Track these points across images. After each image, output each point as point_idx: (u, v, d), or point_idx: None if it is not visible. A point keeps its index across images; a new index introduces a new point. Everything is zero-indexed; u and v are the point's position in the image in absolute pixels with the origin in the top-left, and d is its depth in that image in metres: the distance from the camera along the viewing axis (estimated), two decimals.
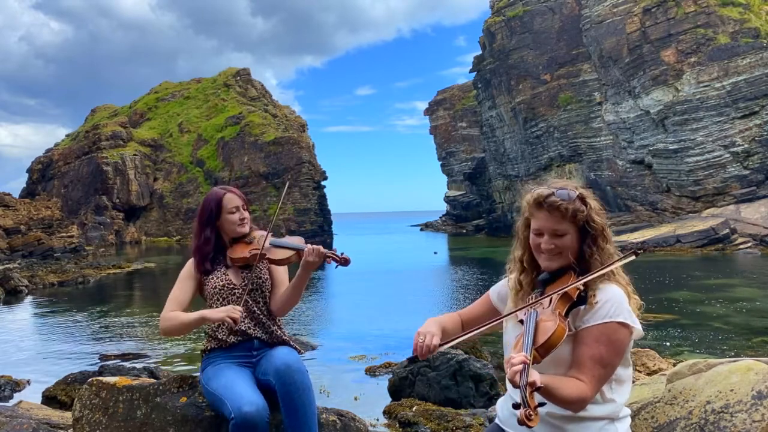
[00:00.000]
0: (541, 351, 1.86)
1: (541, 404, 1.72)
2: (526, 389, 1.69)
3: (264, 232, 3.21)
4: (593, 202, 2.13)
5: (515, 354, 1.81)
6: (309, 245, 2.98)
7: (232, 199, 3.13)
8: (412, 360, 2.32)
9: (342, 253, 2.94)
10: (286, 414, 2.80)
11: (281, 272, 3.21)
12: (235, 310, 2.84)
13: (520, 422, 1.64)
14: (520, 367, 1.74)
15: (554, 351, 1.89)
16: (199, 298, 3.14)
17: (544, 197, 2.08)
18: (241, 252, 3.09)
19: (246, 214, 3.17)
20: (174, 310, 3.00)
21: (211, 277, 3.08)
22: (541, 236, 2.11)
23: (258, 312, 3.07)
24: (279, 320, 3.19)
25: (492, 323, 2.12)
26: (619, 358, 2.01)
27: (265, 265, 3.14)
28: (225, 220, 3.11)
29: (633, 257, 2.03)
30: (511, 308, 2.21)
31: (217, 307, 3.05)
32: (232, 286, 3.06)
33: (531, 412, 1.64)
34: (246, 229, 3.16)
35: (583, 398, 1.92)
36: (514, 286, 2.25)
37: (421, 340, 2.11)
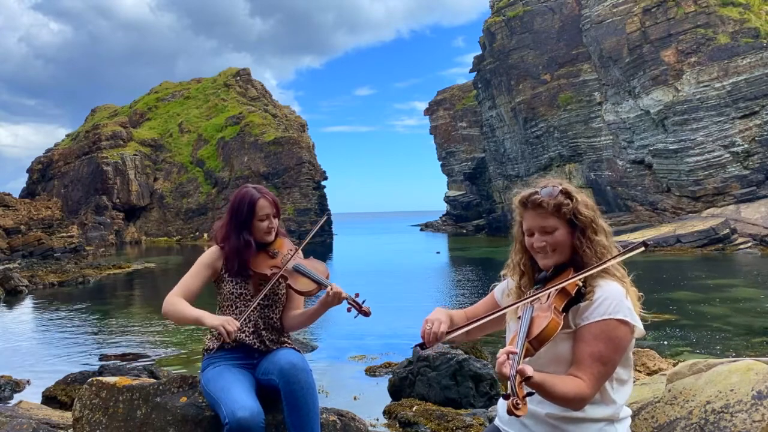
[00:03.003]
0: (534, 343, 1.86)
1: (530, 394, 1.72)
2: (515, 378, 1.69)
3: (289, 244, 3.16)
4: (579, 196, 2.13)
5: (506, 347, 1.82)
6: (332, 286, 2.91)
7: (265, 206, 3.06)
8: (420, 347, 2.31)
9: (364, 301, 2.87)
10: (289, 413, 2.79)
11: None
12: (231, 323, 2.80)
13: (509, 411, 1.64)
14: (508, 358, 1.75)
15: (548, 344, 1.89)
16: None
17: (528, 196, 2.13)
18: (262, 266, 3.04)
19: (275, 223, 3.11)
20: (180, 296, 2.97)
21: (230, 279, 3.06)
22: (533, 235, 2.13)
23: (263, 327, 3.05)
24: (286, 334, 3.17)
25: (496, 313, 2.12)
26: (619, 356, 2.00)
27: (283, 283, 3.11)
28: (254, 226, 3.07)
29: (642, 248, 1.98)
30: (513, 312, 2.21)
31: (227, 311, 3.05)
32: (248, 296, 3.04)
33: (519, 401, 1.64)
34: (272, 237, 3.11)
35: (582, 396, 1.92)
36: (516, 291, 2.25)
37: (428, 327, 2.12)
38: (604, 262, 2.02)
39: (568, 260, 2.12)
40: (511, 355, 1.76)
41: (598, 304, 2.00)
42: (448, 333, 2.10)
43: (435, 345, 2.13)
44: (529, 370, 1.72)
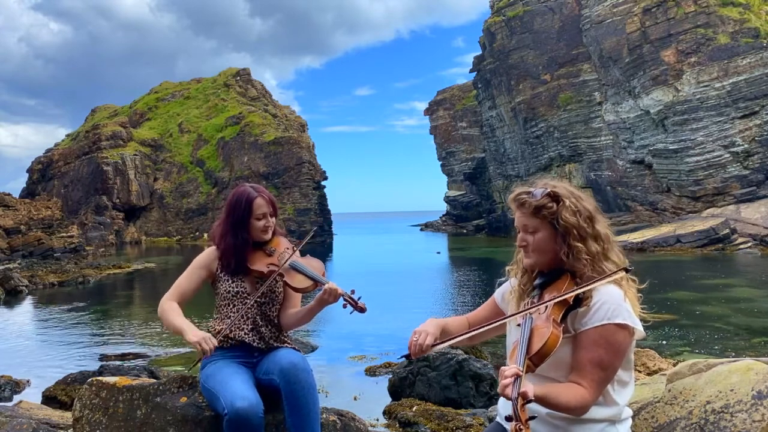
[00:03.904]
0: (535, 359, 1.85)
1: (532, 417, 1.70)
2: (517, 402, 1.67)
3: (286, 242, 3.17)
4: (570, 200, 2.10)
5: (508, 366, 1.80)
6: (328, 284, 2.92)
7: (262, 204, 3.08)
8: (406, 358, 2.35)
9: (359, 298, 2.88)
10: (290, 413, 2.79)
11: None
12: (209, 342, 2.79)
13: None
14: (511, 379, 1.73)
15: (549, 358, 1.88)
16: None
17: (515, 195, 2.16)
18: (259, 264, 3.05)
19: (271, 222, 3.12)
20: (174, 300, 3.00)
21: (226, 278, 3.06)
22: (520, 233, 2.17)
23: (262, 325, 3.06)
24: (285, 333, 3.17)
25: (487, 327, 2.11)
26: (619, 360, 1.99)
27: (280, 281, 3.11)
28: (251, 225, 3.08)
29: (623, 273, 2.03)
30: (513, 310, 2.21)
31: (225, 310, 3.05)
32: (245, 294, 3.04)
33: (521, 426, 1.63)
34: (268, 236, 3.12)
35: (584, 404, 1.92)
36: (517, 289, 2.26)
37: (415, 339, 2.12)
38: (594, 282, 2.01)
39: (554, 262, 2.12)
40: (513, 376, 1.74)
41: (597, 308, 1.99)
42: (433, 345, 2.10)
43: (421, 356, 2.13)
44: (530, 392, 1.71)
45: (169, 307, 2.98)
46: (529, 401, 1.70)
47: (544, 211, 2.09)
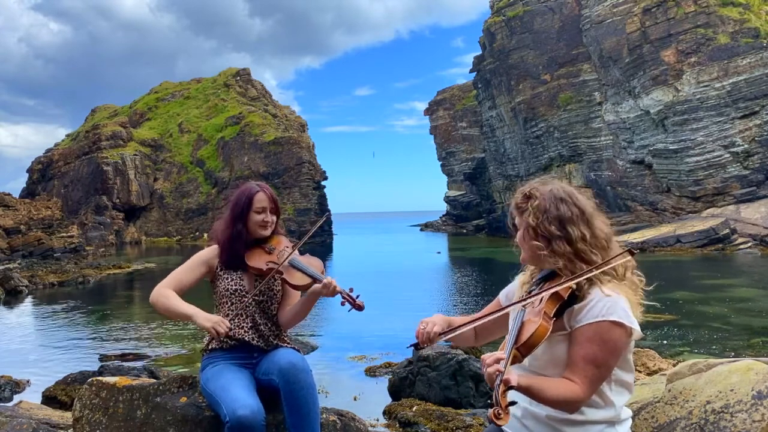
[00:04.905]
0: (522, 350, 1.86)
1: (512, 403, 1.72)
2: (498, 388, 1.69)
3: (287, 241, 3.18)
4: (538, 202, 2.12)
5: (494, 353, 1.82)
6: (326, 279, 2.94)
7: (262, 199, 3.11)
8: (414, 347, 2.35)
9: (358, 296, 2.89)
10: (289, 413, 2.79)
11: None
12: (222, 324, 2.82)
13: (491, 421, 1.66)
14: (495, 365, 1.75)
15: (539, 348, 1.90)
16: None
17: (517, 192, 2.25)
18: (258, 261, 3.06)
19: (271, 218, 3.14)
20: (171, 288, 2.99)
21: (226, 276, 3.07)
22: None
23: (261, 323, 3.06)
24: (284, 332, 3.18)
25: (489, 317, 2.12)
26: (614, 359, 1.98)
27: (278, 278, 3.12)
28: (250, 218, 3.11)
29: (629, 256, 2.03)
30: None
31: (224, 308, 3.05)
32: (244, 292, 3.05)
33: (500, 411, 1.65)
34: (267, 232, 3.14)
35: (575, 399, 1.91)
36: (528, 280, 2.29)
37: (422, 327, 2.15)
38: (595, 268, 2.01)
39: (537, 258, 2.16)
40: (499, 362, 1.76)
41: (592, 306, 1.99)
42: (440, 334, 2.13)
43: (428, 345, 2.15)
44: (513, 379, 1.73)
45: (170, 293, 2.97)
46: (511, 388, 1.72)
47: (518, 210, 2.19)
